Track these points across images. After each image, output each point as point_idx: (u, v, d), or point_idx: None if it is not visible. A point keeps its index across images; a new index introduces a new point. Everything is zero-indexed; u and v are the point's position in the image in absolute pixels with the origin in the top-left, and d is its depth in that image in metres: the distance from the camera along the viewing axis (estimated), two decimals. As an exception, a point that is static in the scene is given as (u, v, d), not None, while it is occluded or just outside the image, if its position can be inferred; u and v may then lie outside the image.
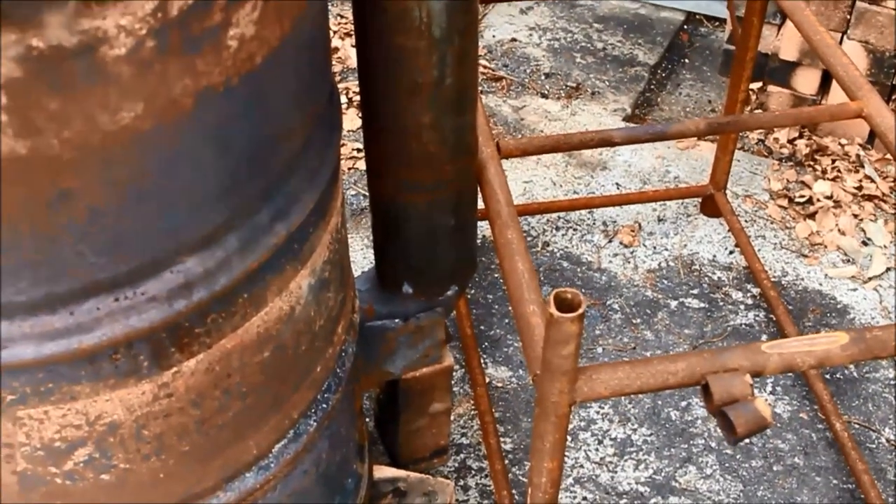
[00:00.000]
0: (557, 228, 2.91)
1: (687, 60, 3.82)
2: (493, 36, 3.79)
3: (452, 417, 2.41)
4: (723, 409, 1.36)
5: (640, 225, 2.92)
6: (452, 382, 2.48)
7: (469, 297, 2.68)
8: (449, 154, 1.63)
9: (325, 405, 1.61)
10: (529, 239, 2.87)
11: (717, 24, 4.01)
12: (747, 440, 2.33)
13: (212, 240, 1.19)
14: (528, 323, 1.49)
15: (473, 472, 2.30)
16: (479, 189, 1.79)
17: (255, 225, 1.24)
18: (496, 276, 2.75)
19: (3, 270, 1.07)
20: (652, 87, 3.63)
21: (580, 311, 1.25)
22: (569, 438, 2.36)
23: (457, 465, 2.31)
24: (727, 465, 2.31)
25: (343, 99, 3.41)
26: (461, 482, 2.27)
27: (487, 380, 2.48)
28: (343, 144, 3.21)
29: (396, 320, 1.84)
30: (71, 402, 1.22)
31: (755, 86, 3.37)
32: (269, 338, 1.36)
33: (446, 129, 1.60)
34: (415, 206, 1.70)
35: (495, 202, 1.69)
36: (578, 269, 2.78)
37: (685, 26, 3.98)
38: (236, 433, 1.43)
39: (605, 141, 1.98)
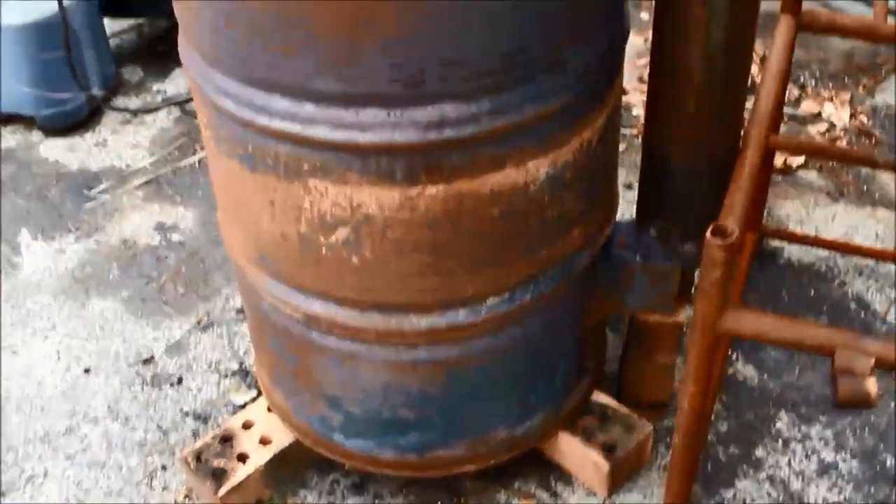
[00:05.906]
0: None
1: None
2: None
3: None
4: (836, 375, 1.56)
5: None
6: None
7: (749, 302, 2.88)
8: (714, 133, 1.93)
9: (543, 288, 1.94)
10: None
11: None
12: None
13: (468, 95, 1.58)
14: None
15: (683, 436, 2.53)
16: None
17: (506, 98, 1.61)
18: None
19: (315, 65, 1.53)
20: None
21: (729, 240, 1.51)
22: (779, 443, 2.53)
23: (669, 425, 2.55)
24: (921, 524, 2.38)
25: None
26: (667, 439, 2.51)
27: (731, 371, 2.69)
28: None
29: (637, 256, 2.13)
30: (343, 185, 1.67)
31: None
32: (501, 199, 1.73)
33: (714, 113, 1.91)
34: (676, 160, 2.00)
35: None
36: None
37: None
38: (457, 267, 1.81)
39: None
